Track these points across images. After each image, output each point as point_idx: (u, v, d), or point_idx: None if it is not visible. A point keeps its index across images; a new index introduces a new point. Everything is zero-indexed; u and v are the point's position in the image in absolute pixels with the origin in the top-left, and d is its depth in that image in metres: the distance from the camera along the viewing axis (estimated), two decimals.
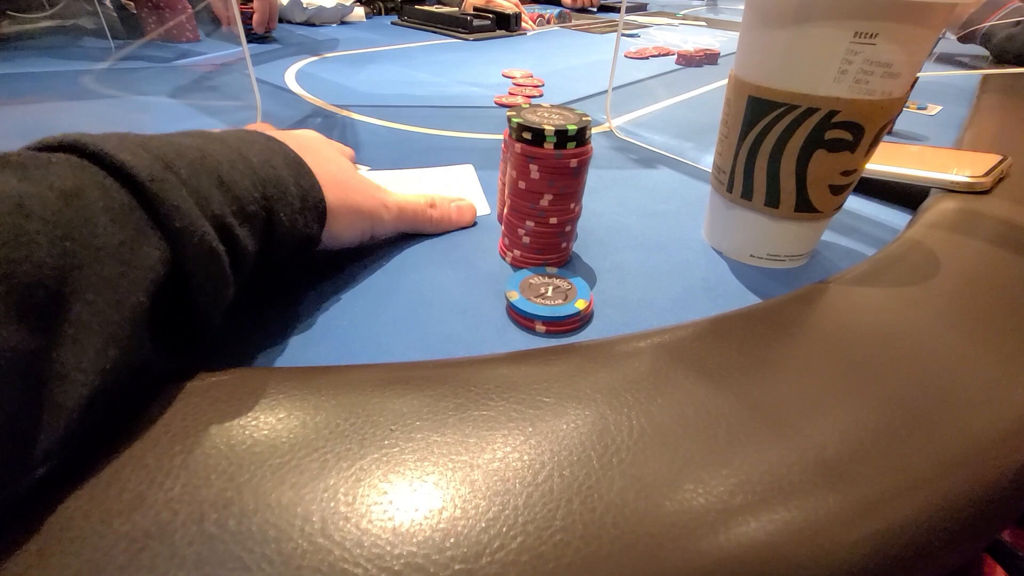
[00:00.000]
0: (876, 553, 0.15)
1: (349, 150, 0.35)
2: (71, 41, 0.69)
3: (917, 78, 0.57)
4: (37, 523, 0.13)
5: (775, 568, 0.14)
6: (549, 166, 0.25)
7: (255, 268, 0.21)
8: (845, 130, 0.24)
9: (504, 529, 0.14)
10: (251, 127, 0.26)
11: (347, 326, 0.23)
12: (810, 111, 0.24)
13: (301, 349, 0.22)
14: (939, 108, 0.62)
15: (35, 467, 0.13)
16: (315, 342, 0.22)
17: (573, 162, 0.25)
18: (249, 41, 0.79)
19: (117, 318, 0.14)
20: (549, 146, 0.24)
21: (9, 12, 0.67)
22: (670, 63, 0.82)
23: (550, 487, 0.15)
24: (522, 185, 0.26)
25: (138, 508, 0.14)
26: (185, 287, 0.17)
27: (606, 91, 0.52)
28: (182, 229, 0.16)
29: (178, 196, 0.16)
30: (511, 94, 0.60)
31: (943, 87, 0.71)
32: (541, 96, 0.61)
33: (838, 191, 0.27)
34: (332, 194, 0.25)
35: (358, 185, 0.28)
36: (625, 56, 0.85)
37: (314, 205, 0.24)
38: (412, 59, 0.76)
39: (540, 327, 0.24)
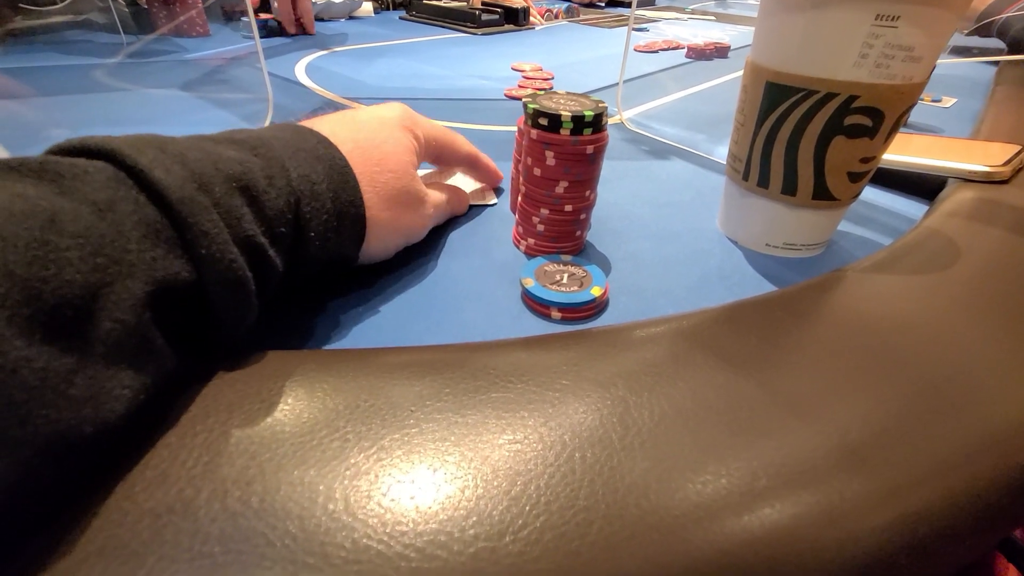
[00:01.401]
0: (900, 538, 0.15)
1: (430, 129, 0.29)
2: (83, 35, 0.70)
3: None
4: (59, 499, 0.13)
5: (799, 551, 0.14)
6: (565, 152, 0.25)
7: (284, 283, 0.20)
8: (865, 115, 0.24)
9: (527, 508, 0.13)
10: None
11: (364, 311, 0.23)
12: (829, 96, 0.24)
13: (320, 334, 0.22)
14: (954, 100, 0.61)
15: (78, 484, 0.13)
16: (334, 328, 0.22)
17: (589, 148, 0.25)
18: (263, 37, 0.80)
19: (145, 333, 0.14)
20: (565, 132, 0.24)
21: (22, 6, 0.67)
22: (680, 56, 0.81)
23: (572, 467, 0.15)
24: (537, 172, 0.26)
25: (161, 485, 0.14)
26: (209, 307, 0.16)
27: (616, 84, 0.52)
28: (208, 256, 0.16)
29: (208, 220, 0.16)
30: (521, 87, 0.60)
31: (957, 80, 0.70)
32: (551, 89, 0.61)
33: (857, 178, 0.26)
34: (378, 211, 0.23)
35: (409, 200, 0.25)
36: (634, 50, 0.84)
37: (352, 223, 0.22)
38: (421, 53, 0.76)
39: (556, 314, 0.24)
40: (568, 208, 0.26)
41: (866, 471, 0.16)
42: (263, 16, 0.80)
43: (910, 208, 0.36)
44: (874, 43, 0.22)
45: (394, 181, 0.24)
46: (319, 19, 0.95)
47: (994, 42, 0.87)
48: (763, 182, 0.28)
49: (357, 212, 0.22)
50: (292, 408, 0.16)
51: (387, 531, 0.13)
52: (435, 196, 0.28)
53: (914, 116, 0.54)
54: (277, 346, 0.21)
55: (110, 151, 0.15)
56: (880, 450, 0.16)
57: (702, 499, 0.14)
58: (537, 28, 1.01)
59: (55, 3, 0.70)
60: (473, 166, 0.34)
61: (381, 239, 0.24)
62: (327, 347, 0.21)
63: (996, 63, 0.73)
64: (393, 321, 0.23)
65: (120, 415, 0.13)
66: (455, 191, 0.32)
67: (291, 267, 0.20)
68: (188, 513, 0.13)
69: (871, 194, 0.38)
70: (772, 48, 0.25)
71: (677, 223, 0.33)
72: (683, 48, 0.86)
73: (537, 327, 0.23)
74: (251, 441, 0.15)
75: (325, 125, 0.24)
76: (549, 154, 0.25)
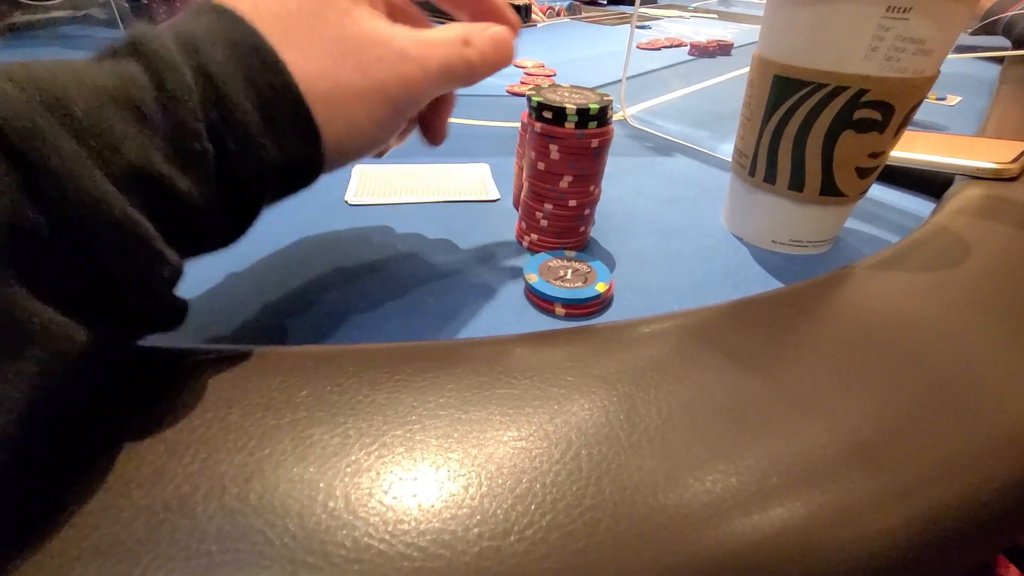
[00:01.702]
0: (914, 538, 0.14)
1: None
2: (83, 31, 0.69)
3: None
4: (54, 496, 0.13)
5: (810, 551, 0.14)
6: (570, 146, 0.24)
7: (237, 213, 0.16)
8: (874, 110, 0.24)
9: (532, 507, 0.13)
10: None
11: (364, 307, 0.23)
12: (839, 90, 0.23)
13: (319, 330, 0.22)
14: (959, 99, 0.61)
15: None
16: (333, 323, 0.22)
17: (594, 142, 0.24)
18: None
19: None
20: (570, 126, 0.24)
21: (22, 1, 0.67)
22: (683, 54, 0.81)
23: (578, 465, 0.14)
24: (541, 166, 0.25)
25: (158, 482, 0.13)
26: (87, 264, 0.13)
27: (619, 80, 0.51)
28: (61, 201, 0.12)
29: (54, 153, 0.12)
30: (523, 83, 0.59)
31: (962, 78, 0.69)
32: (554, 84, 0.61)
33: (865, 174, 0.26)
34: (319, 78, 0.16)
35: (358, 45, 0.17)
36: (637, 47, 0.84)
37: (290, 111, 0.16)
38: None
39: (560, 310, 0.23)
40: (572, 203, 0.26)
41: (878, 470, 0.15)
42: None
43: (917, 206, 0.35)
44: (885, 36, 0.22)
45: (323, 27, 0.17)
46: None
47: (1000, 41, 0.86)
48: (770, 178, 0.27)
49: (287, 91, 0.16)
50: (292, 404, 0.16)
51: (389, 530, 0.12)
52: (428, 37, 0.19)
53: (919, 114, 0.54)
54: (273, 342, 0.21)
55: None
56: (892, 449, 0.16)
57: (711, 498, 0.14)
58: (539, 25, 1.00)
59: None
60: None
61: (345, 115, 0.17)
62: (325, 343, 0.21)
63: (1001, 60, 0.73)
64: (393, 316, 0.23)
65: (13, 420, 0.11)
66: (494, 33, 0.21)
67: (231, 193, 0.16)
68: (185, 510, 0.13)
69: (878, 192, 0.37)
70: (780, 41, 0.25)
71: (682, 219, 0.32)
72: (686, 46, 0.85)
73: (541, 323, 0.23)
74: (249, 436, 0.15)
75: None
76: (553, 148, 0.24)
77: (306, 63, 0.16)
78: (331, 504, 0.13)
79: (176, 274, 0.15)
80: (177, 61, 0.14)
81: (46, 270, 0.12)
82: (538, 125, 0.24)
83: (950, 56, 0.78)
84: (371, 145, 0.19)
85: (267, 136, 0.16)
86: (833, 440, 0.16)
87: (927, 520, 0.15)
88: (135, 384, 0.16)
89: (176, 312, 0.15)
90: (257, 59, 0.15)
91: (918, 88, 0.23)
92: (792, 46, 0.24)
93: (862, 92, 0.23)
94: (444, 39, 0.20)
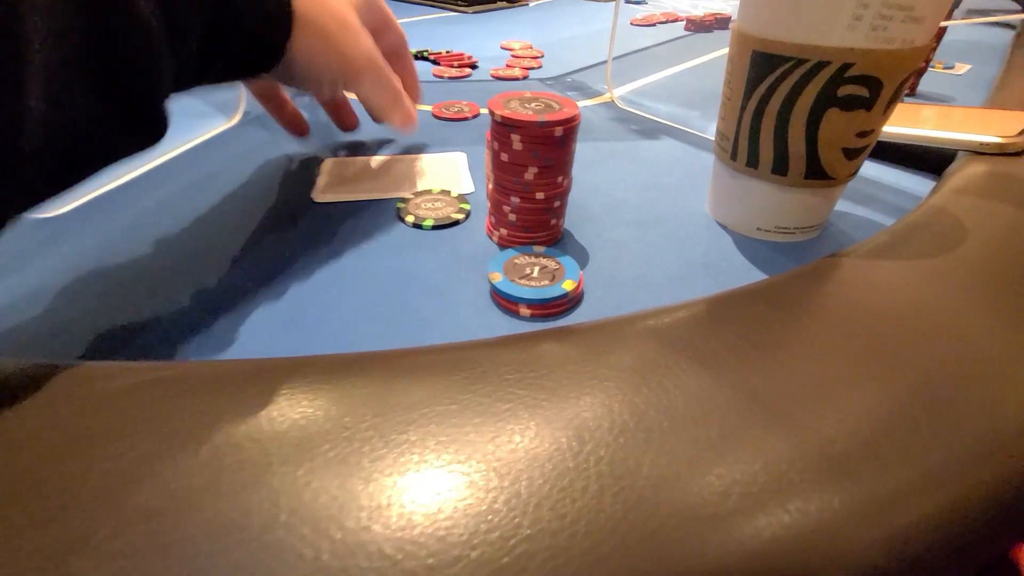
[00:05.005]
0: (893, 555, 0.13)
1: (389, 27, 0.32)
2: None
3: (944, 30, 0.53)
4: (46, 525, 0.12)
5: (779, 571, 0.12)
6: (532, 136, 0.23)
7: (203, 58, 0.20)
8: (861, 85, 0.22)
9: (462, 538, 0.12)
10: None
11: (316, 311, 0.22)
12: (821, 65, 0.22)
13: (262, 337, 0.21)
14: (968, 67, 0.58)
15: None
16: (276, 329, 0.21)
17: (558, 130, 0.23)
18: None
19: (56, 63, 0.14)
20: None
21: None
22: (679, 29, 0.78)
23: (517, 491, 0.13)
24: (504, 157, 0.24)
25: (136, 494, 0.12)
26: (117, 59, 0.16)
27: (606, 61, 0.49)
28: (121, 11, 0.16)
29: None
30: (508, 66, 0.57)
31: (972, 45, 0.66)
32: (540, 68, 0.59)
33: (853, 155, 0.24)
34: (307, 8, 0.24)
35: (335, 12, 0.25)
36: (631, 24, 0.81)
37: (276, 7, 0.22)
38: (410, 34, 0.72)
39: (524, 310, 0.22)
40: (540, 196, 0.24)
41: (850, 485, 0.14)
42: None
43: (916, 184, 0.33)
44: (869, 2, 0.20)
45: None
46: None
47: (1009, 8, 0.82)
48: (752, 162, 0.26)
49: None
50: (258, 420, 0.15)
51: (400, 537, 0.11)
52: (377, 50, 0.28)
53: (925, 84, 0.51)
54: (225, 349, 0.20)
55: None
56: (866, 461, 0.14)
57: (661, 523, 0.13)
58: (531, 4, 0.97)
59: None
60: (398, 55, 0.33)
61: (312, 47, 0.24)
62: (269, 351, 0.20)
63: (1013, 27, 0.69)
64: (347, 321, 0.22)
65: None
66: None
67: (210, 39, 0.20)
68: (164, 532, 0.12)
69: (874, 170, 0.35)
70: (758, 12, 0.23)
71: (663, 207, 0.31)
72: (682, 20, 0.82)
73: (505, 324, 0.22)
74: (219, 457, 0.14)
75: None
76: (515, 137, 0.23)
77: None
78: (289, 519, 0.12)
79: (168, 81, 0.18)
80: None
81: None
82: (498, 114, 0.23)
83: (958, 22, 0.74)
84: (311, 81, 0.26)
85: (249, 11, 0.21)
86: (802, 454, 0.14)
87: (910, 535, 0.14)
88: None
89: (163, 121, 0.19)
90: None
91: (908, 60, 0.21)
92: (771, 18, 0.22)
93: (846, 66, 0.21)
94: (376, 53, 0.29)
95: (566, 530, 0.12)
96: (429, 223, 0.28)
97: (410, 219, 0.28)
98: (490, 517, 0.12)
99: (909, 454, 0.15)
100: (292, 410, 0.15)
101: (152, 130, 0.19)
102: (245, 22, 0.21)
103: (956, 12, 0.76)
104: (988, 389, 0.17)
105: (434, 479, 0.13)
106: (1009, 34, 0.68)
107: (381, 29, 0.31)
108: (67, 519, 0.12)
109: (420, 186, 0.32)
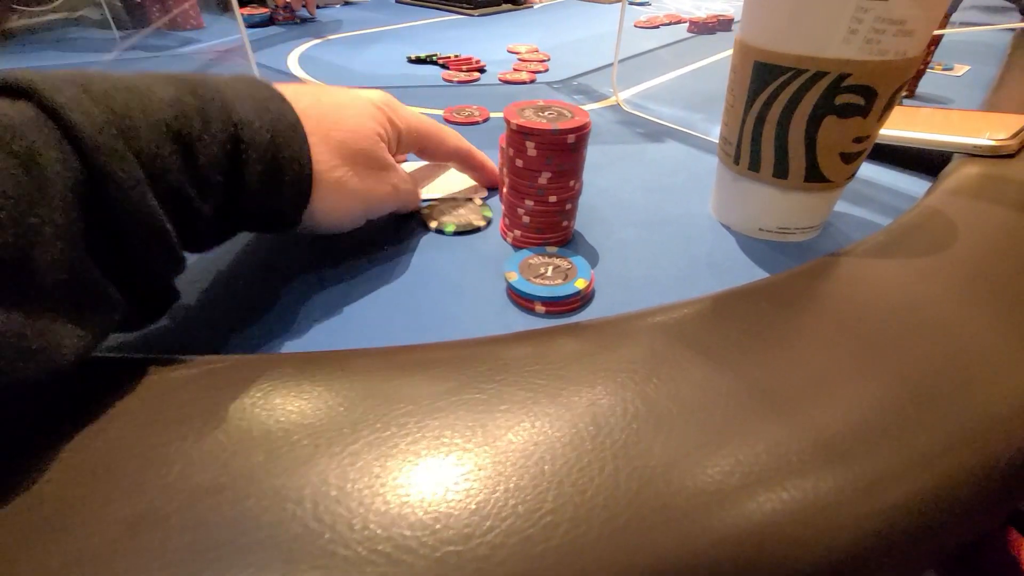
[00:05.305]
0: (881, 531, 0.15)
1: (411, 119, 0.28)
2: (77, 33, 0.70)
3: (941, 36, 0.54)
4: (32, 505, 0.13)
5: (775, 548, 0.14)
6: (546, 142, 0.24)
7: (217, 232, 0.21)
8: (856, 94, 0.23)
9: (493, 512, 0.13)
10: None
11: (343, 310, 0.23)
12: (819, 75, 0.23)
13: (296, 335, 0.22)
14: (966, 68, 0.59)
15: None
16: (309, 327, 0.22)
17: (571, 138, 0.24)
18: (267, 24, 0.79)
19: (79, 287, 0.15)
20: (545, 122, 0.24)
21: (15, 6, 0.67)
22: (682, 31, 0.79)
23: (541, 469, 0.14)
24: (519, 163, 0.25)
25: (134, 493, 0.14)
26: (129, 256, 0.17)
27: (612, 64, 0.50)
28: (123, 208, 0.16)
29: (123, 171, 0.16)
30: (515, 70, 0.59)
31: (970, 46, 0.67)
32: (547, 71, 0.60)
33: (850, 159, 0.26)
34: (330, 169, 0.22)
35: (368, 162, 0.24)
36: (635, 26, 0.82)
37: (294, 182, 0.21)
38: (416, 38, 0.74)
39: (540, 307, 0.23)
40: (553, 199, 0.26)
41: (842, 466, 0.15)
42: (261, 10, 0.80)
43: (912, 185, 0.35)
44: (863, 17, 0.21)
45: (352, 141, 0.23)
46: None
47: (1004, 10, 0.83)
48: (754, 165, 0.27)
49: (301, 171, 0.21)
50: (265, 414, 0.16)
51: (355, 537, 0.13)
52: (404, 172, 0.28)
53: (923, 86, 0.52)
54: (247, 349, 0.21)
55: (28, 87, 0.15)
56: (857, 444, 0.16)
57: (672, 499, 0.14)
58: (535, 6, 0.99)
59: (50, 1, 0.70)
60: (465, 162, 0.32)
61: (334, 202, 0.23)
62: (300, 348, 0.21)
63: (1012, 30, 0.70)
64: (373, 318, 0.23)
65: (71, 361, 0.15)
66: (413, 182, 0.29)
67: (224, 216, 0.20)
68: (159, 523, 0.13)
69: (872, 172, 0.36)
70: (760, 26, 0.24)
71: (669, 209, 0.32)
72: (685, 22, 0.83)
73: (522, 321, 0.23)
74: (223, 448, 0.15)
75: (290, 88, 0.23)
76: (530, 144, 0.24)
77: (324, 154, 0.22)
78: (299, 513, 0.13)
79: (181, 267, 0.19)
80: (222, 115, 0.19)
81: (104, 254, 0.16)
82: (514, 122, 0.24)
83: (952, 31, 0.75)
84: (343, 223, 0.25)
85: (273, 188, 0.21)
86: (798, 439, 0.16)
87: (896, 513, 0.15)
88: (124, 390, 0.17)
89: (172, 296, 0.19)
90: (289, 136, 0.21)
91: (901, 70, 0.23)
92: (771, 31, 0.24)
93: (843, 76, 0.23)
94: (413, 181, 0.29)
95: (586, 504, 0.14)
96: (451, 228, 0.29)
97: (433, 224, 0.29)
98: (517, 492, 0.14)
99: (897, 439, 0.16)
100: (334, 398, 0.17)
101: (169, 299, 0.19)
102: (263, 208, 0.21)
103: (956, 14, 0.77)
104: (973, 380, 0.18)
105: (465, 459, 0.15)
106: (1008, 35, 0.69)
107: (429, 147, 0.29)
108: (140, 495, 0.14)
109: (435, 190, 0.33)
